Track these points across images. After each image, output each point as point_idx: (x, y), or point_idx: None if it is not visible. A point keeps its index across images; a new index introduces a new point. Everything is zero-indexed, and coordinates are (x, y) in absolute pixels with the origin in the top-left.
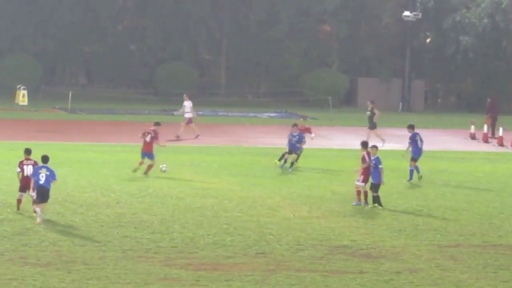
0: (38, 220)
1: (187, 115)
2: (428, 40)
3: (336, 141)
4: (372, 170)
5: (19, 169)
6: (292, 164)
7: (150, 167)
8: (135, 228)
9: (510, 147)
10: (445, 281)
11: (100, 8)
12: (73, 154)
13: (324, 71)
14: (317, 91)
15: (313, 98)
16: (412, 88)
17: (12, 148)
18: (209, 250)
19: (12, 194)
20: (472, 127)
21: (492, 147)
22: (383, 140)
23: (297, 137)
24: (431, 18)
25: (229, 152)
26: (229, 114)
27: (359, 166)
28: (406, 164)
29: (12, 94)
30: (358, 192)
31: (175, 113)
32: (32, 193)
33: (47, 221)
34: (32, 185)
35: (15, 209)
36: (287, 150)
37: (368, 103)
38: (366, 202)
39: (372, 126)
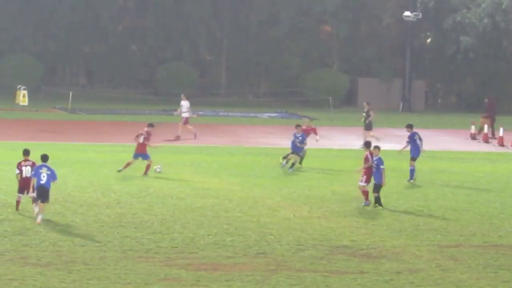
0: (38, 220)
1: (184, 115)
2: (428, 40)
3: (337, 141)
4: (374, 171)
5: (18, 171)
6: (293, 164)
7: (148, 167)
8: (135, 228)
9: (511, 147)
10: (445, 281)
11: (101, 8)
12: (73, 154)
13: (325, 71)
14: (318, 91)
15: (313, 98)
16: (413, 88)
17: (13, 148)
18: (209, 250)
19: (13, 194)
20: (473, 127)
21: (492, 147)
22: (378, 139)
23: (300, 137)
24: (431, 18)
25: (229, 152)
26: (230, 114)
27: (360, 166)
28: (406, 164)
29: (13, 94)
30: (364, 192)
31: (175, 113)
32: (32, 194)
33: (47, 221)
34: (32, 185)
35: (15, 210)
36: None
37: (364, 104)
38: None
39: (367, 127)
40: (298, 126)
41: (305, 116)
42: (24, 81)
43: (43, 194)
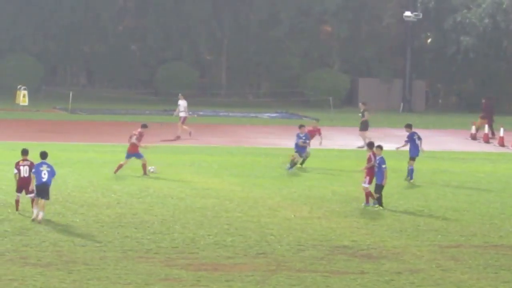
0: (40, 217)
1: (182, 114)
2: (429, 41)
3: (337, 141)
4: (376, 171)
5: (16, 170)
6: (293, 164)
7: (144, 166)
8: (135, 228)
9: (511, 148)
10: (446, 282)
11: (101, 8)
12: (73, 155)
13: (325, 71)
14: (318, 91)
15: (314, 98)
16: (413, 89)
17: (13, 148)
18: (209, 251)
19: (13, 194)
20: (473, 127)
21: (492, 148)
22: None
23: (303, 137)
24: (431, 18)
25: (229, 152)
26: (230, 114)
27: (363, 166)
28: (407, 165)
29: (13, 94)
30: (367, 194)
31: (174, 113)
32: (32, 195)
33: (47, 221)
34: (32, 183)
35: (15, 210)
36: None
37: (360, 104)
38: (367, 203)
39: (363, 127)
40: (301, 126)
41: (305, 116)
42: (24, 81)
43: (44, 191)
